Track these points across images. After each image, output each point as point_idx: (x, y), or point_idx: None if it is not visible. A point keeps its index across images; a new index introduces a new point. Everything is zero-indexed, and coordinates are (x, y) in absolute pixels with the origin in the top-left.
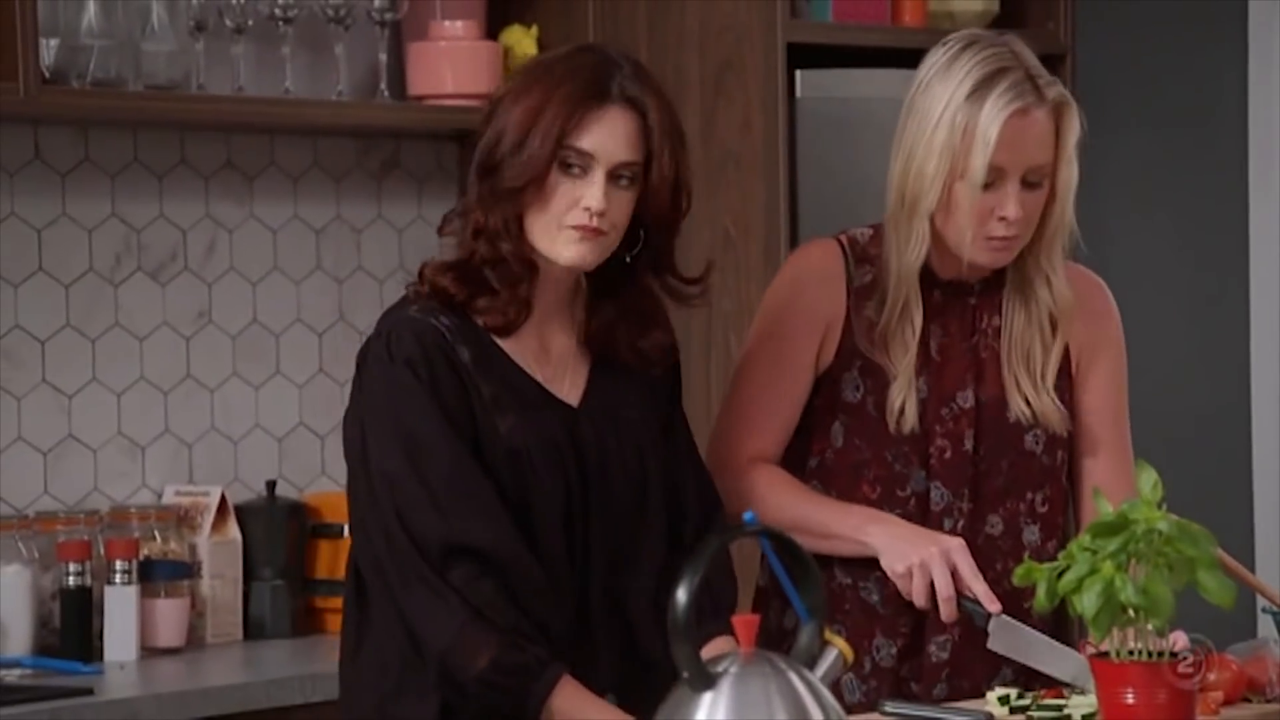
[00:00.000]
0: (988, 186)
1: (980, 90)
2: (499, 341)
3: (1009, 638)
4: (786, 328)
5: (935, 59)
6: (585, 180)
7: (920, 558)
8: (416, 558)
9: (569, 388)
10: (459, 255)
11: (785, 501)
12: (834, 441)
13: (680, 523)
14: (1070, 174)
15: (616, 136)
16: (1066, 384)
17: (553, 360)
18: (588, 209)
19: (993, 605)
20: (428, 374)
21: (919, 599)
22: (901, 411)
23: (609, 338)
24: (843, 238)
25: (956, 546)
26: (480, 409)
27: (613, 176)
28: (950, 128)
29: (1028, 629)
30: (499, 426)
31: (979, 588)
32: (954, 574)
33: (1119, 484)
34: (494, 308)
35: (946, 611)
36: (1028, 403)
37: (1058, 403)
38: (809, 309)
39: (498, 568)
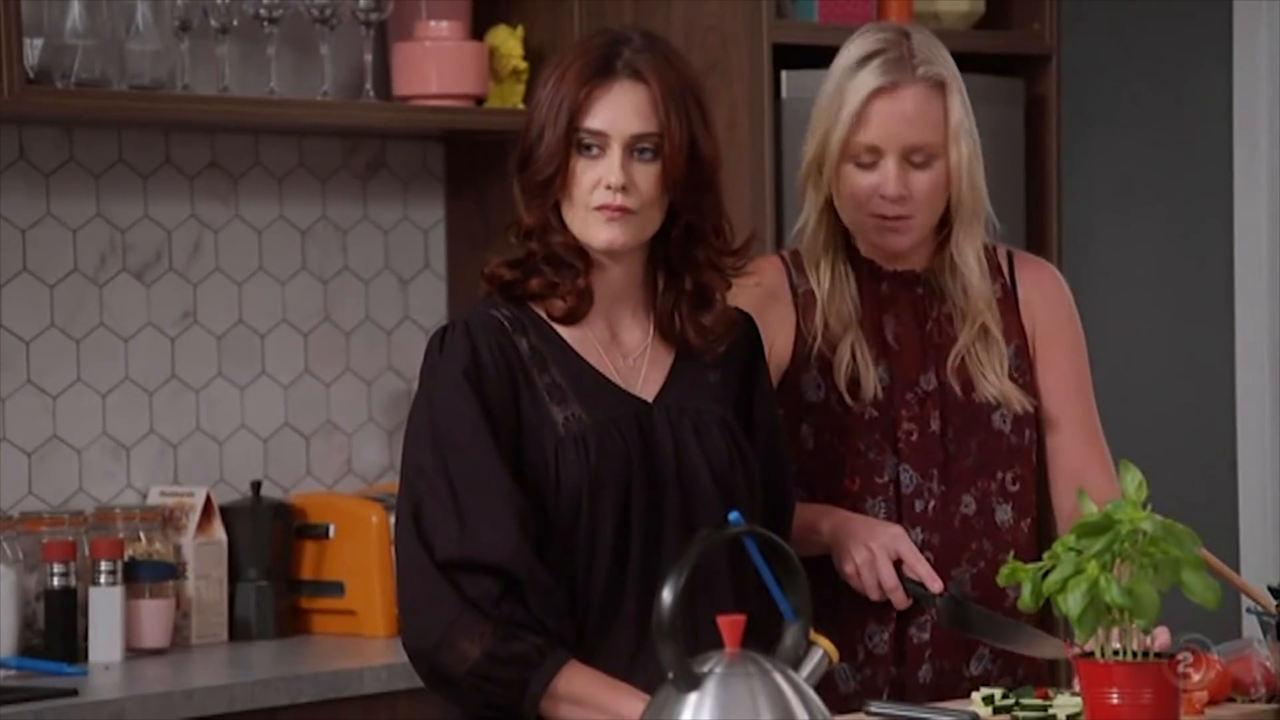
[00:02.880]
0: (868, 165)
1: (855, 68)
2: (562, 332)
3: (956, 616)
4: None
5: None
6: (603, 158)
7: (863, 558)
8: (421, 553)
9: (644, 382)
10: (518, 255)
11: None
12: (805, 444)
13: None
14: (960, 153)
15: (624, 110)
16: (1025, 365)
17: (625, 352)
18: (609, 186)
19: (935, 584)
20: (475, 369)
21: (872, 595)
22: (853, 382)
23: (673, 320)
24: (784, 252)
25: (896, 535)
26: (531, 401)
27: (632, 151)
28: (828, 104)
29: (974, 606)
30: (555, 416)
31: (922, 570)
32: (899, 561)
33: (1088, 464)
34: (553, 296)
35: (897, 600)
36: (991, 386)
37: (1014, 386)
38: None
39: (504, 575)
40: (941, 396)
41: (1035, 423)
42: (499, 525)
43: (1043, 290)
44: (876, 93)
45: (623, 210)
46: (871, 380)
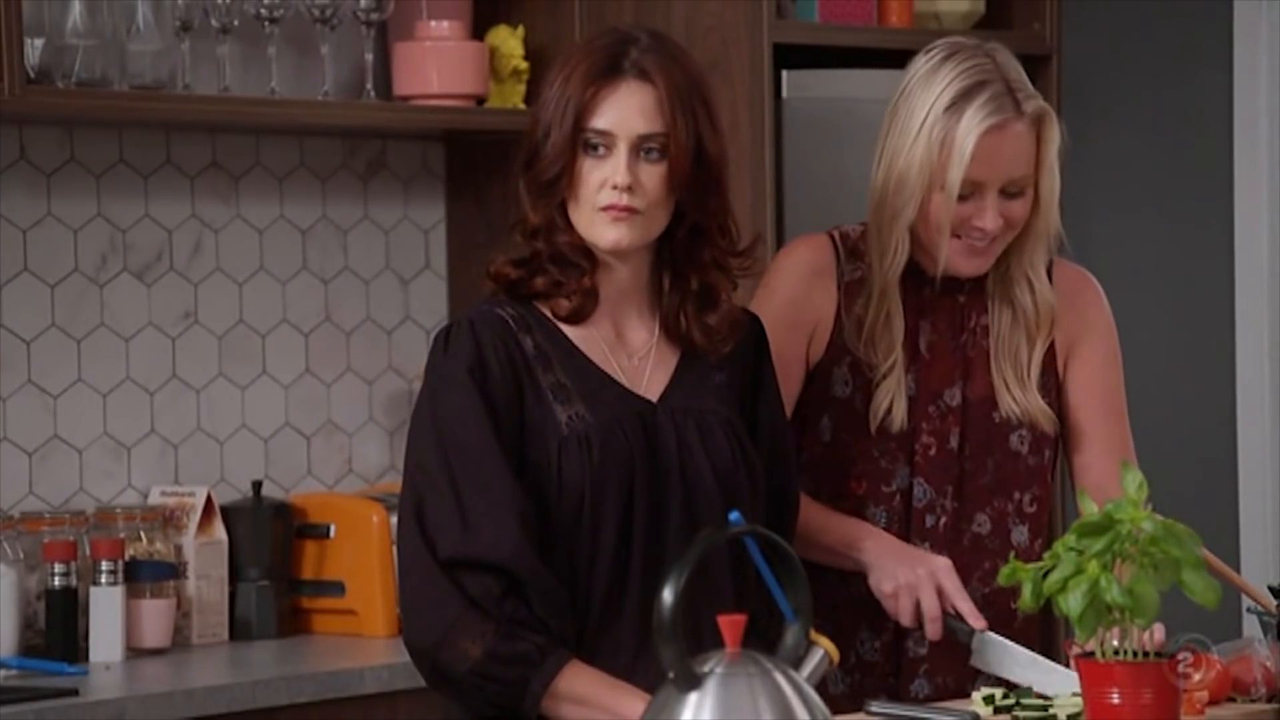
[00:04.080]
0: (966, 198)
1: (959, 103)
2: (567, 331)
3: (993, 654)
4: (777, 323)
5: (918, 66)
6: (610, 158)
7: (907, 579)
8: (424, 551)
9: (649, 382)
10: (524, 254)
11: None
12: (822, 436)
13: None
14: (1052, 183)
15: (630, 110)
16: (1053, 382)
17: (630, 352)
18: (615, 186)
19: (977, 622)
20: (479, 367)
21: (905, 619)
22: (889, 412)
23: (679, 320)
24: (834, 233)
25: (944, 568)
26: (535, 400)
27: (639, 151)
28: (929, 141)
29: (1013, 645)
30: (558, 415)
31: (964, 606)
32: (940, 593)
33: (1113, 481)
34: (558, 295)
35: (932, 631)
36: (1015, 402)
37: (1042, 402)
38: (799, 305)
39: (506, 574)
40: (964, 412)
41: (1055, 441)
42: (501, 525)
43: (1082, 301)
44: (986, 132)
45: (629, 210)
46: (900, 414)
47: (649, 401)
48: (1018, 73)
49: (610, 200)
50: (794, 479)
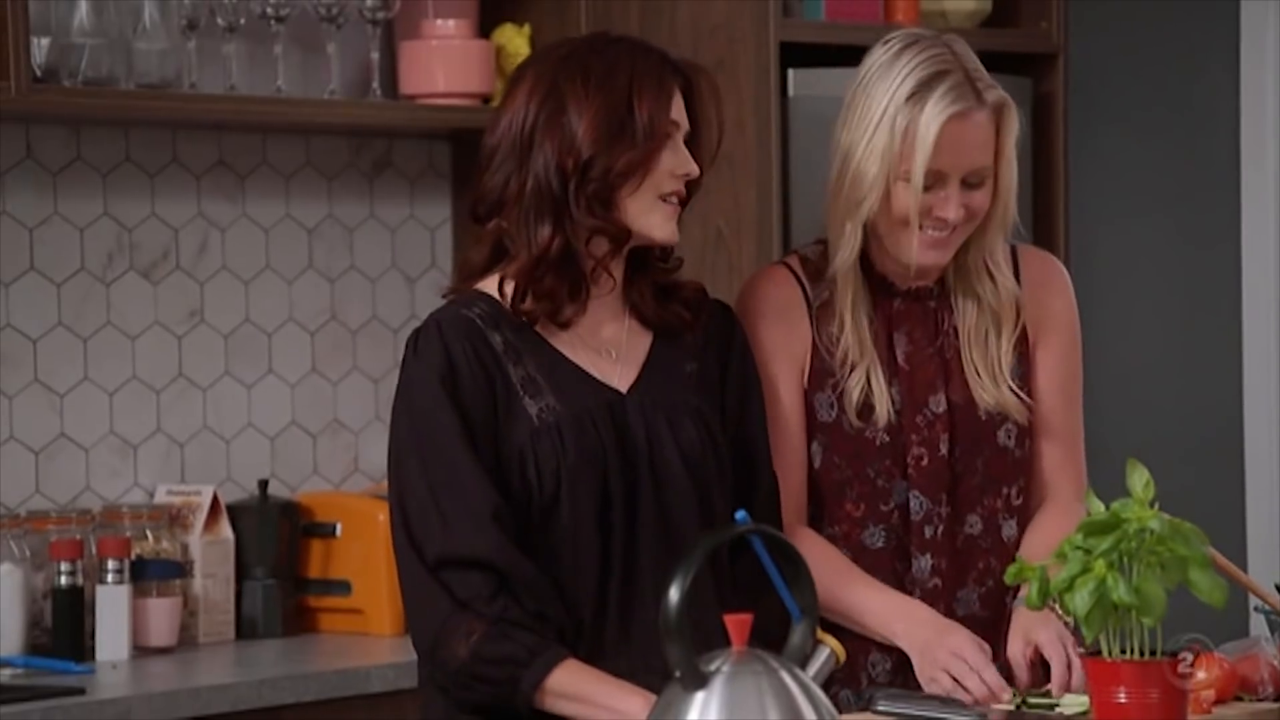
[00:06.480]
0: (928, 188)
1: (920, 92)
2: (536, 325)
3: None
4: (769, 371)
5: (876, 58)
6: (675, 148)
7: (931, 673)
8: (413, 556)
9: (621, 373)
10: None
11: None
12: (812, 463)
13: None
14: (1011, 174)
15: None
16: (1028, 370)
17: (601, 343)
18: (685, 174)
19: (1002, 693)
20: (449, 370)
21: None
22: (867, 407)
23: (645, 305)
24: (792, 260)
25: (965, 640)
26: (506, 396)
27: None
28: (890, 131)
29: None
30: (529, 409)
31: (990, 677)
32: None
33: (1061, 476)
34: (558, 305)
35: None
36: (988, 395)
37: (1017, 392)
38: (782, 346)
39: (491, 571)
40: (950, 417)
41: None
42: (477, 522)
43: (1047, 288)
44: (949, 121)
45: (680, 199)
46: (884, 405)
47: (618, 392)
48: (975, 63)
49: (675, 188)
50: (765, 471)
